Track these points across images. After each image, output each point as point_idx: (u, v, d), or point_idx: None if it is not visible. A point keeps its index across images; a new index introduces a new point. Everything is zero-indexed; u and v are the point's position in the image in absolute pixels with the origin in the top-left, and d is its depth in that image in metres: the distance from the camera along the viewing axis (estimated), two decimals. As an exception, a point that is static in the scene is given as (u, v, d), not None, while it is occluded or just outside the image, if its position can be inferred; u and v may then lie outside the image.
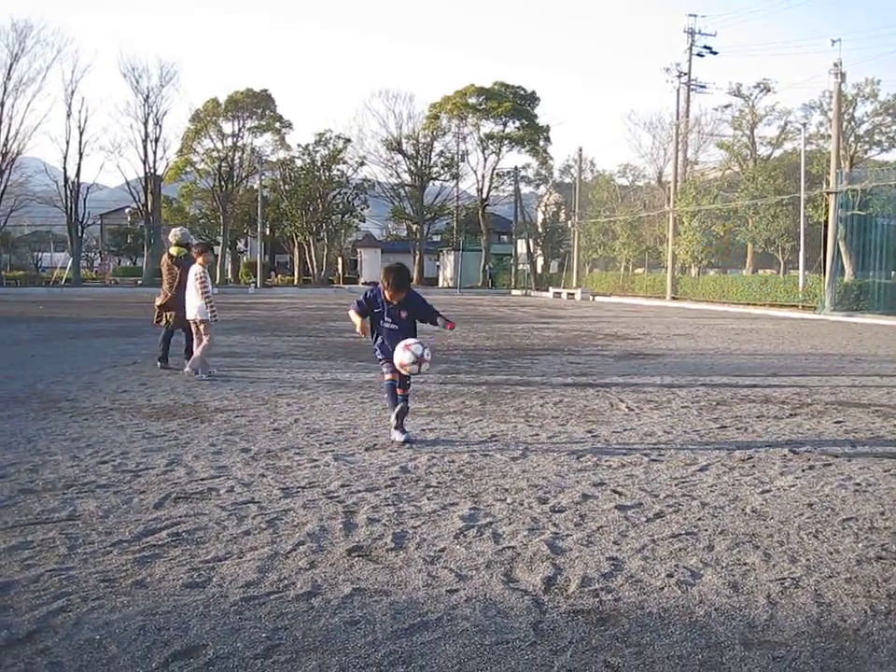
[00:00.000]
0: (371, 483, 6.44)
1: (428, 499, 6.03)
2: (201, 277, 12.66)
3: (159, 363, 13.60)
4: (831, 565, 4.79)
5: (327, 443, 7.91)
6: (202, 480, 6.46)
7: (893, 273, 38.76)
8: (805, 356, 17.79)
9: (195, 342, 12.89)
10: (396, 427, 8.09)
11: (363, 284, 73.69)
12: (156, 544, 4.95)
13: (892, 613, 4.13)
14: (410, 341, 7.88)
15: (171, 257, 13.93)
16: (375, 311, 8.20)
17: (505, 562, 4.76)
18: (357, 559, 4.76)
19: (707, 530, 5.41)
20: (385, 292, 8.08)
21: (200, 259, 12.85)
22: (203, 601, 4.13)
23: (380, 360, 8.31)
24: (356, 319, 8.29)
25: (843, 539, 5.28)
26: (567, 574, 4.59)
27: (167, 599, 4.14)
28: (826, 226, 38.34)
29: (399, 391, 8.14)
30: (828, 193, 38.61)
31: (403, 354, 7.74)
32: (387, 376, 8.15)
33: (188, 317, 12.90)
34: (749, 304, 41.88)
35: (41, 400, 10.09)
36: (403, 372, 7.93)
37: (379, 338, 8.26)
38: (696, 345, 19.84)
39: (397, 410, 8.02)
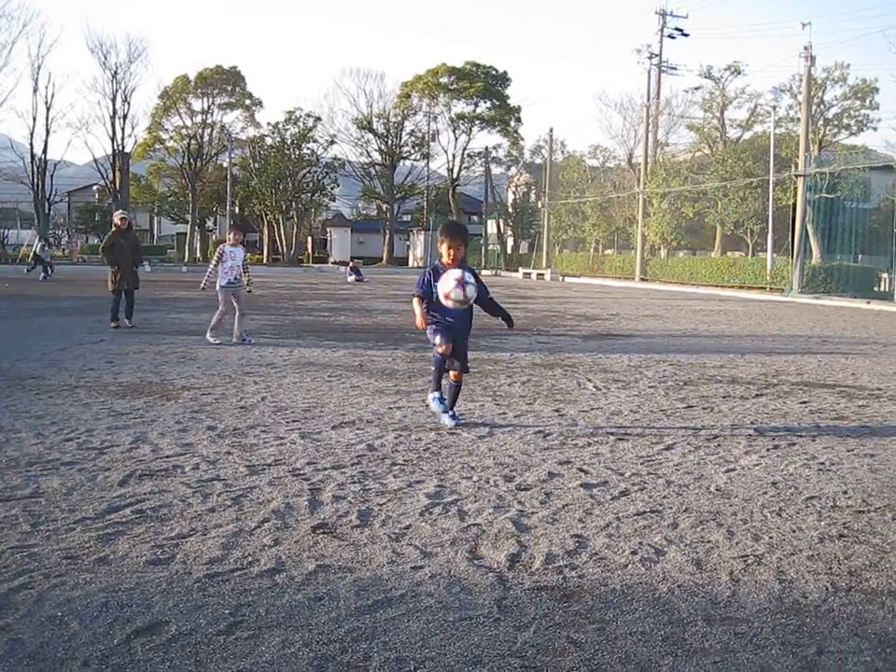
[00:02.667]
0: (338, 461, 6.42)
1: (394, 477, 6.03)
2: (217, 252, 14.38)
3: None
4: (793, 542, 4.83)
5: (293, 421, 7.88)
6: (167, 457, 6.42)
7: (860, 255, 39.11)
8: (772, 337, 17.92)
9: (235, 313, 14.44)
10: (443, 412, 7.85)
11: (333, 263, 73.52)
12: (120, 521, 4.91)
13: (853, 590, 4.16)
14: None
15: None
16: (436, 285, 7.63)
17: (470, 539, 4.76)
18: (321, 536, 4.75)
19: (671, 508, 5.44)
20: (444, 253, 7.65)
21: (230, 238, 14.61)
22: (166, 578, 4.11)
23: (435, 332, 7.66)
24: (418, 309, 7.64)
25: (806, 517, 5.33)
26: (531, 551, 4.59)
27: (130, 576, 4.11)
28: (794, 209, 38.66)
29: (453, 376, 7.81)
30: (796, 176, 38.89)
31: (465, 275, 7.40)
32: (440, 349, 7.61)
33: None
34: (717, 286, 42.15)
35: (6, 378, 9.99)
36: (449, 302, 7.39)
37: (435, 310, 7.66)
38: (664, 326, 19.94)
39: (436, 396, 7.76)
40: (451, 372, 7.82)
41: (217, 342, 13.86)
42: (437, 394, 7.92)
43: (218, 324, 14.10)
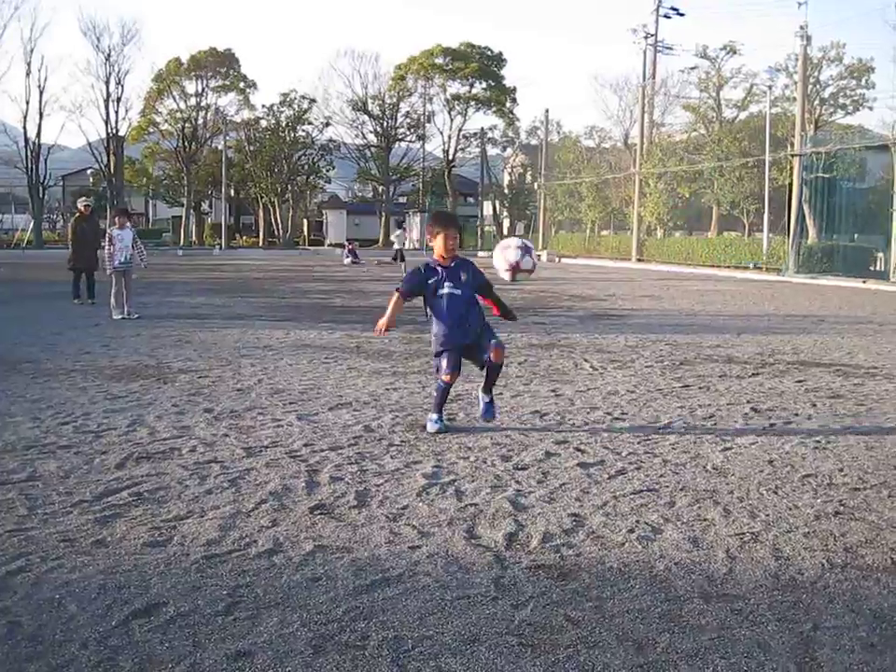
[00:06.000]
0: (335, 442, 6.43)
1: (392, 458, 6.03)
2: (107, 237, 15.66)
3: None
4: (789, 520, 4.85)
5: (290, 403, 7.88)
6: (164, 440, 6.43)
7: (856, 235, 39.06)
8: (768, 316, 17.93)
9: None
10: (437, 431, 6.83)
11: (329, 245, 73.37)
12: (117, 504, 4.92)
13: (848, 566, 4.18)
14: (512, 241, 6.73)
15: None
16: (430, 282, 6.72)
17: (467, 519, 4.77)
18: (319, 517, 4.75)
19: (668, 487, 5.45)
20: (441, 245, 6.75)
21: (117, 222, 16.00)
22: (163, 560, 4.11)
23: (438, 352, 6.83)
24: (390, 309, 6.78)
25: (802, 494, 5.34)
26: (528, 530, 4.60)
27: (128, 558, 4.12)
28: (790, 189, 38.54)
29: (494, 356, 6.73)
30: (792, 156, 38.77)
31: (516, 253, 6.65)
32: (444, 377, 6.74)
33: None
34: (713, 266, 42.08)
35: (1, 362, 9.98)
36: (507, 277, 6.83)
37: (436, 319, 6.82)
38: (661, 306, 19.94)
39: (433, 419, 6.87)
40: (490, 354, 6.75)
41: (120, 316, 15.03)
42: (436, 416, 6.90)
43: (116, 301, 15.32)
